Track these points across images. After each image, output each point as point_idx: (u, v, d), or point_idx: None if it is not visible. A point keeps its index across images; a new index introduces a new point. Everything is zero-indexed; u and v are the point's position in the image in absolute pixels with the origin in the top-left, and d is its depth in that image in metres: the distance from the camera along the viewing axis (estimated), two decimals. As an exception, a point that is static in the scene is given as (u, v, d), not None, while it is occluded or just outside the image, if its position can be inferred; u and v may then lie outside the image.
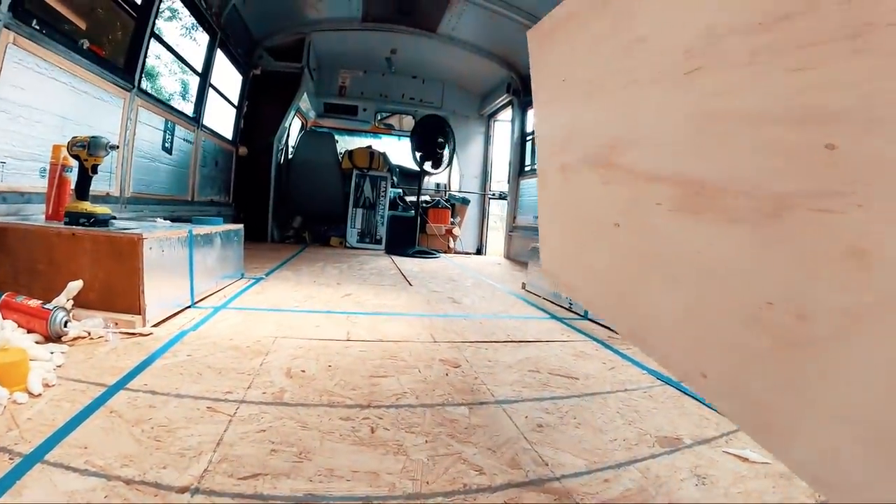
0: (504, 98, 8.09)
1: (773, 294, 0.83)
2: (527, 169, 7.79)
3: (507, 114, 8.54)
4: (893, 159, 0.62)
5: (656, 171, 1.16)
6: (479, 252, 8.79)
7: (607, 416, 1.58)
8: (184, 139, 5.18)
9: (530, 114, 7.69)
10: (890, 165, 0.63)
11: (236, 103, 6.96)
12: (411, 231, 7.51)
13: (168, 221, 3.30)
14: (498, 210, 9.60)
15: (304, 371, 1.76)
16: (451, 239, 8.08)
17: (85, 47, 3.21)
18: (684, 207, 1.05)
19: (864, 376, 0.68)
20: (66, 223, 2.27)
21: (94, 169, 2.38)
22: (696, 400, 1.74)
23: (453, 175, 9.75)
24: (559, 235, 1.91)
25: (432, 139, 7.33)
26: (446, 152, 7.54)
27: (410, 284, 4.14)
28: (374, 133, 9.63)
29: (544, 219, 2.03)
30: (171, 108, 5.00)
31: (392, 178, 8.03)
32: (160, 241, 2.28)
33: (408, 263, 5.88)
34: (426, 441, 1.29)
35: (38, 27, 2.71)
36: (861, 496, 0.68)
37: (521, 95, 7.76)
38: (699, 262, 1.02)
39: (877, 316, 0.66)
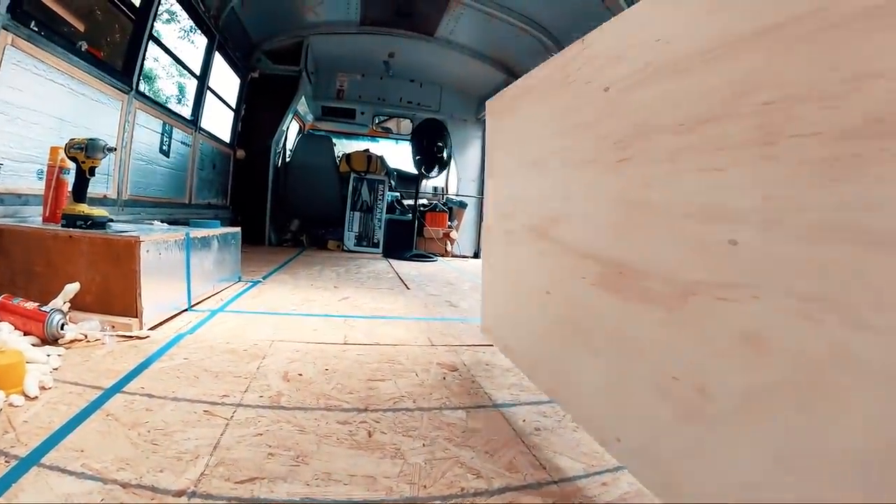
0: (502, 102, 8.08)
1: (679, 370, 0.93)
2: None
3: (504, 117, 8.52)
4: (787, 257, 0.72)
5: (585, 248, 1.31)
6: (476, 255, 8.78)
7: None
8: (181, 142, 5.18)
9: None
10: (784, 262, 0.73)
11: (234, 106, 6.96)
12: (409, 234, 7.50)
13: (165, 224, 3.30)
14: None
15: (301, 375, 1.76)
16: (448, 242, 8.08)
17: (83, 49, 3.21)
18: (607, 284, 1.18)
19: (757, 452, 0.76)
20: (63, 225, 2.27)
21: (92, 171, 2.38)
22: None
23: (451, 178, 9.76)
24: (500, 296, 2.05)
25: (431, 143, 7.34)
26: (444, 156, 7.54)
27: (408, 288, 4.13)
28: (372, 136, 9.63)
29: (487, 279, 2.20)
30: (169, 110, 5.00)
31: (390, 182, 8.03)
32: (157, 244, 2.27)
33: (405, 267, 5.88)
34: (423, 445, 1.29)
35: (36, 29, 2.71)
36: None
37: (520, 99, 7.75)
38: (618, 336, 1.13)
39: (770, 397, 0.75)
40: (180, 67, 5.69)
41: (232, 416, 1.36)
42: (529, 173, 1.74)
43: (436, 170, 7.64)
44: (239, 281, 3.63)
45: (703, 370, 0.88)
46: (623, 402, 1.11)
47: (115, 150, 3.09)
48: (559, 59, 1.51)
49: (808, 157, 0.69)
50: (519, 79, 1.88)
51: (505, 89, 2.02)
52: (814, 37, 0.69)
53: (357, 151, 8.11)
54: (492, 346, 2.34)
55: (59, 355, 1.67)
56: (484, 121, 9.06)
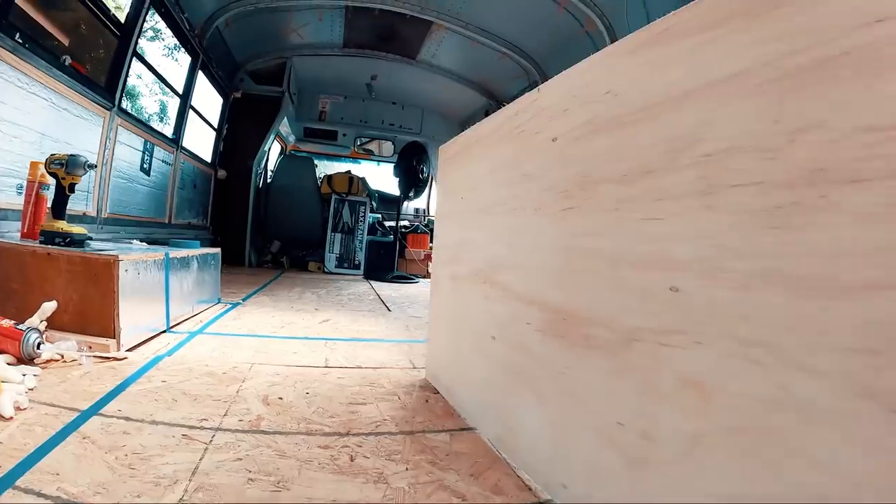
0: (483, 125, 8.16)
1: (624, 416, 0.96)
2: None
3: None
4: (728, 303, 0.75)
5: (530, 294, 1.34)
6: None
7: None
8: (162, 160, 5.14)
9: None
10: (725, 308, 0.75)
11: (216, 126, 6.93)
12: (390, 256, 7.49)
13: (145, 244, 3.27)
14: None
15: (281, 398, 1.74)
16: (430, 264, 8.07)
17: (67, 64, 3.19)
18: (552, 331, 1.22)
19: (705, 498, 0.77)
20: (41, 242, 2.24)
21: (72, 188, 2.35)
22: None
23: (432, 200, 9.79)
24: (444, 339, 2.04)
25: (413, 167, 7.37)
26: (424, 177, 7.58)
27: (389, 310, 4.12)
28: (354, 158, 9.65)
29: (434, 320, 2.23)
30: (151, 128, 4.96)
31: (371, 203, 8.03)
32: (136, 264, 2.25)
33: (386, 289, 5.86)
34: (407, 468, 1.27)
35: (20, 41, 2.69)
36: None
37: (500, 124, 7.82)
38: (562, 381, 1.17)
39: (716, 441, 0.76)
40: (163, 85, 5.66)
41: (211, 441, 1.34)
42: (476, 219, 1.77)
43: (414, 192, 7.67)
44: (219, 302, 3.59)
45: (647, 416, 0.90)
46: (569, 448, 1.13)
47: (96, 167, 3.07)
48: (510, 109, 1.56)
49: (749, 206, 0.72)
50: (469, 128, 1.92)
51: (457, 137, 2.07)
52: (756, 91, 0.73)
53: (339, 173, 8.12)
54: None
55: (34, 375, 1.63)
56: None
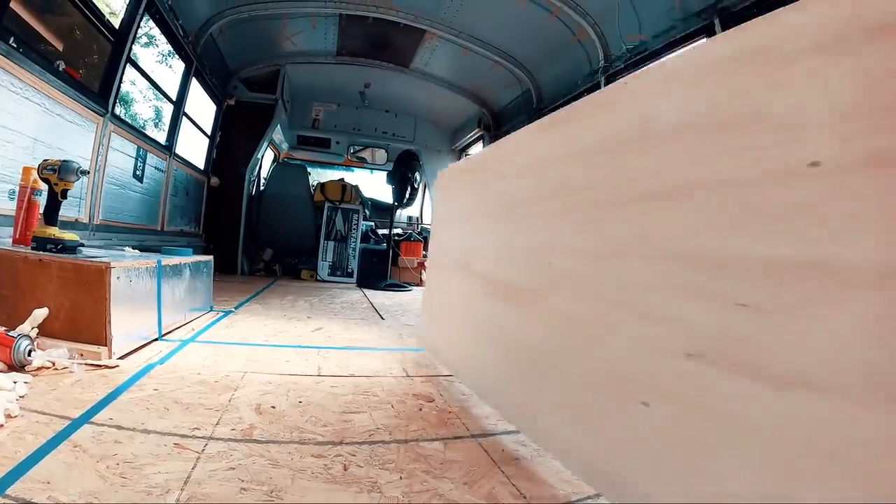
0: (475, 132, 8.20)
1: (521, 335, 1.65)
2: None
3: (478, 148, 8.63)
4: (580, 271, 1.34)
5: (487, 273, 2.01)
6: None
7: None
8: (155, 167, 5.12)
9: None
10: (578, 274, 1.35)
11: (209, 133, 6.92)
12: (383, 264, 7.48)
13: (137, 251, 3.26)
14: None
15: (274, 407, 1.73)
16: (423, 272, 8.07)
17: (61, 69, 3.18)
18: (498, 296, 1.86)
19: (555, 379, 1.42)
20: (33, 248, 2.22)
21: (64, 194, 2.34)
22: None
23: (425, 208, 9.80)
24: (434, 313, 2.75)
25: (406, 175, 7.38)
26: (415, 184, 7.60)
27: (382, 318, 4.11)
28: (347, 166, 9.66)
29: (426, 299, 2.93)
30: (144, 135, 4.95)
31: (364, 211, 8.02)
32: (128, 271, 2.23)
33: (379, 297, 5.85)
34: (401, 477, 1.27)
35: (14, 45, 2.68)
36: None
37: (492, 130, 7.87)
38: (507, 332, 1.76)
39: (555, 337, 1.45)
40: (157, 92, 5.64)
41: (203, 450, 1.33)
42: (458, 225, 2.50)
43: (407, 199, 7.68)
44: (211, 310, 3.57)
45: (534, 333, 1.57)
46: (514, 379, 1.68)
47: (88, 173, 3.06)
48: (481, 155, 2.74)
49: (595, 217, 1.30)
50: (457, 162, 3.02)
51: (449, 167, 2.84)
52: (609, 153, 1.29)
53: (332, 181, 8.10)
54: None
55: (25, 382, 1.62)
56: (458, 151, 9.19)
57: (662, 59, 1.35)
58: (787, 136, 0.80)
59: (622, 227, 1.18)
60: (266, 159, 8.57)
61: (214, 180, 7.09)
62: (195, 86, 6.03)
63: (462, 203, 2.46)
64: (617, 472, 1.10)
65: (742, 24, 0.92)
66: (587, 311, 1.27)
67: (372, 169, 9.79)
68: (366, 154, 9.57)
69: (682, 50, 1.46)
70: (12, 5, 2.74)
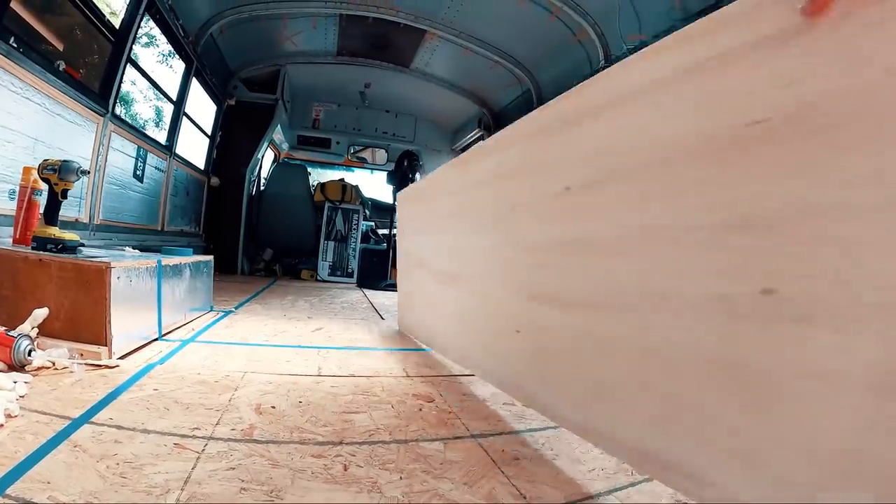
0: (475, 133, 8.20)
1: (452, 309, 2.40)
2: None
3: (477, 148, 8.61)
4: (481, 259, 2.07)
5: (434, 267, 2.68)
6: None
7: (584, 446, 1.58)
8: (155, 167, 5.13)
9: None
10: (510, 262, 1.77)
11: (209, 133, 6.92)
12: (383, 264, 7.48)
13: (137, 251, 3.26)
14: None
15: (274, 407, 1.73)
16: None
17: (61, 69, 3.18)
18: (443, 282, 2.51)
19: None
20: (33, 248, 2.22)
21: (64, 194, 2.34)
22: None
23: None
24: (405, 301, 3.52)
25: (406, 174, 7.38)
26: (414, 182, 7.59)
27: (382, 318, 4.11)
28: (347, 166, 9.65)
29: (399, 291, 3.65)
30: (145, 135, 4.95)
31: (364, 211, 8.02)
32: (128, 271, 2.23)
33: (380, 297, 5.85)
34: (401, 478, 1.27)
35: (15, 45, 2.68)
36: None
37: (493, 130, 7.87)
38: (450, 304, 2.44)
39: (472, 315, 2.20)
40: (157, 92, 5.64)
41: (203, 450, 1.33)
42: (418, 234, 3.10)
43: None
44: (211, 310, 3.57)
45: (464, 305, 2.27)
46: (453, 332, 2.45)
47: (89, 173, 3.06)
48: (424, 181, 3.20)
49: (485, 224, 1.97)
50: (414, 182, 3.84)
51: (403, 191, 3.53)
52: (489, 184, 1.91)
53: (332, 181, 8.10)
54: (469, 375, 2.35)
55: (25, 382, 1.62)
56: (458, 151, 9.18)
57: (500, 131, 1.85)
58: (556, 173, 1.43)
59: (500, 229, 1.84)
60: (266, 159, 8.58)
61: (215, 180, 7.09)
62: (195, 86, 6.03)
63: (415, 217, 3.15)
64: (501, 371, 1.92)
65: (548, 102, 1.47)
66: (486, 283, 2.00)
67: (372, 169, 9.78)
68: (366, 154, 9.56)
69: (514, 123, 1.78)
70: (12, 5, 2.74)
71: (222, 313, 3.57)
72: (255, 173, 7.91)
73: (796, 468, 0.75)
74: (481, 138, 8.20)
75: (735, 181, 0.85)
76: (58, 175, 2.29)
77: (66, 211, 2.75)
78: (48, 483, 1.05)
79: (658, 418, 1.04)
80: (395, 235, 7.91)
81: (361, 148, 9.45)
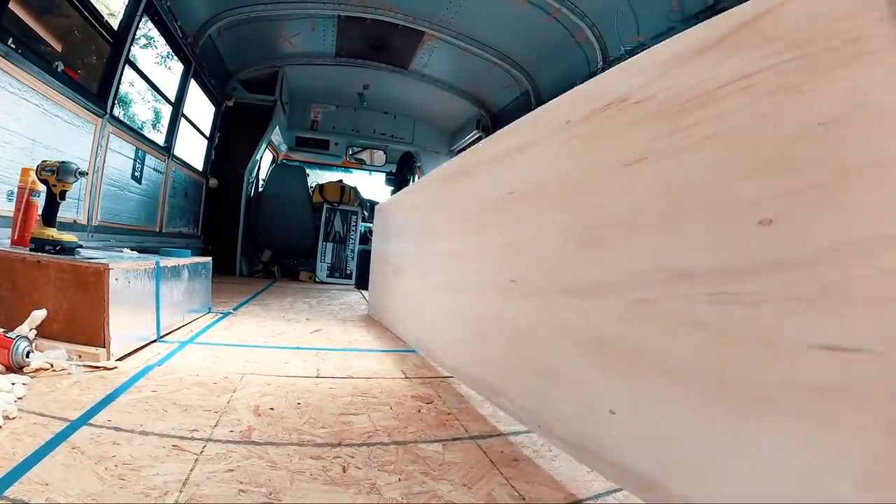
0: (474, 134, 8.20)
1: (402, 301, 3.27)
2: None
3: (477, 149, 8.62)
4: (419, 257, 2.87)
5: (393, 263, 3.50)
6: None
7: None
8: (154, 168, 5.12)
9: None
10: (418, 258, 2.90)
11: (208, 134, 6.91)
12: (382, 266, 7.47)
13: (135, 252, 3.25)
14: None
15: (272, 409, 1.73)
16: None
17: (59, 70, 3.17)
18: (397, 274, 3.37)
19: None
20: (31, 249, 2.22)
21: (63, 195, 2.34)
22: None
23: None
24: (376, 291, 4.24)
25: (405, 176, 7.38)
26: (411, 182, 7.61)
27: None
28: (346, 167, 9.64)
29: (371, 285, 4.48)
30: (143, 136, 4.94)
31: (363, 213, 8.02)
32: (126, 272, 2.23)
33: (377, 298, 5.83)
34: (399, 479, 1.27)
35: (13, 46, 2.68)
36: None
37: (491, 131, 7.87)
38: (402, 295, 3.26)
39: (424, 306, 2.82)
40: (155, 93, 5.64)
41: (202, 451, 1.33)
42: (387, 240, 3.86)
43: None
44: (209, 312, 3.57)
45: (416, 295, 2.91)
46: (404, 313, 3.20)
47: (87, 174, 3.05)
48: (393, 198, 4.20)
49: (422, 237, 2.83)
50: (383, 202, 4.44)
51: (386, 200, 4.47)
52: (423, 209, 2.90)
53: (330, 182, 8.10)
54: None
55: (24, 384, 1.61)
56: (457, 152, 9.18)
57: (426, 175, 2.83)
58: (447, 207, 2.30)
59: (428, 238, 2.63)
60: (265, 161, 8.57)
61: (213, 181, 7.09)
62: (194, 87, 6.04)
63: (383, 227, 4.04)
64: (418, 331, 2.83)
65: (469, 149, 2.11)
66: (415, 277, 2.91)
67: (371, 170, 9.78)
68: (364, 155, 9.56)
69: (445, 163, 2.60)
70: (11, 6, 2.74)
71: (221, 315, 3.56)
72: (254, 174, 7.91)
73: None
74: (480, 139, 8.20)
75: (507, 220, 1.66)
76: (56, 176, 2.28)
77: (65, 212, 2.75)
78: (46, 485, 1.05)
79: (491, 359, 1.77)
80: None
81: (360, 149, 9.44)
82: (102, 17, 3.80)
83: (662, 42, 0.94)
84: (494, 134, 1.72)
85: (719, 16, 0.84)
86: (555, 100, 1.34)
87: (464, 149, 9.21)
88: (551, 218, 1.35)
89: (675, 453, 0.91)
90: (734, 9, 0.80)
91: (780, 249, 0.73)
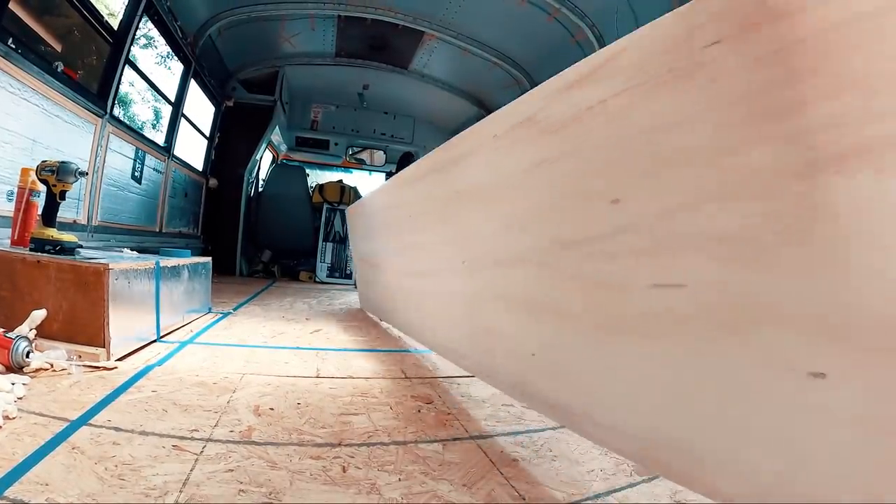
0: (474, 134, 8.18)
1: (381, 291, 3.65)
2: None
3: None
4: (390, 252, 3.19)
5: (369, 259, 3.84)
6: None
7: (583, 446, 1.58)
8: (154, 169, 5.12)
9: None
10: (388, 252, 3.23)
11: (208, 134, 6.91)
12: (381, 266, 7.47)
13: (135, 252, 3.26)
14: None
15: (272, 409, 1.73)
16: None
17: (59, 70, 3.17)
18: (373, 267, 3.70)
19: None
20: (31, 249, 2.22)
21: (63, 195, 2.34)
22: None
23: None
24: (363, 288, 4.50)
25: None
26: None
27: (381, 320, 4.11)
28: (346, 167, 9.64)
29: (358, 280, 4.83)
30: (143, 136, 4.94)
31: (363, 213, 7.99)
32: (126, 273, 2.23)
33: (377, 298, 5.83)
34: (399, 479, 1.27)
35: (13, 46, 2.68)
36: None
37: (491, 132, 7.86)
38: (376, 281, 3.72)
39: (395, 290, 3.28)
40: (155, 93, 5.64)
41: (202, 452, 1.33)
42: (364, 239, 4.00)
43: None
44: (209, 312, 3.57)
45: (390, 288, 3.31)
46: (381, 301, 3.70)
47: (87, 174, 3.05)
48: (362, 199, 4.22)
49: (389, 233, 3.18)
50: (353, 204, 4.66)
51: (349, 207, 4.79)
52: (389, 208, 3.11)
53: (330, 182, 8.10)
54: (468, 377, 2.34)
55: (24, 384, 1.61)
56: (457, 154, 9.16)
57: (394, 177, 2.97)
58: (409, 206, 2.57)
59: (395, 234, 2.96)
60: (265, 160, 8.57)
61: (213, 182, 7.08)
62: (194, 87, 6.03)
63: (358, 227, 4.22)
64: (383, 310, 3.69)
65: (440, 146, 1.99)
66: (386, 268, 3.26)
67: (371, 170, 9.78)
68: (364, 155, 9.55)
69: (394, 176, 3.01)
70: (11, 6, 2.74)
71: (221, 315, 3.56)
72: (254, 174, 7.91)
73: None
74: (479, 139, 8.19)
75: (456, 213, 1.90)
76: (56, 176, 2.28)
77: (65, 212, 2.75)
78: (46, 485, 1.05)
79: (455, 328, 2.03)
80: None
81: (360, 149, 9.44)
82: (102, 17, 3.80)
83: (561, 72, 1.18)
84: (444, 144, 1.93)
85: (593, 54, 1.08)
86: (486, 118, 1.61)
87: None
88: (487, 210, 1.64)
89: (575, 378, 1.19)
90: (600, 50, 1.05)
91: (625, 219, 0.98)
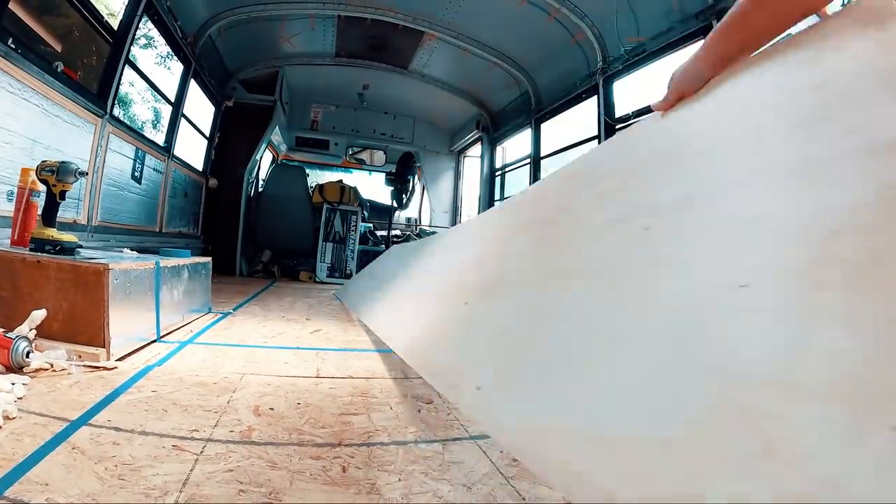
0: (474, 134, 8.22)
1: (369, 290, 4.21)
2: (496, 203, 7.87)
3: (476, 150, 8.67)
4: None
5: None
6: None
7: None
8: (154, 169, 5.12)
9: (499, 149, 7.88)
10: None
11: (208, 134, 6.91)
12: (382, 266, 7.50)
13: (135, 252, 3.25)
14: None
15: (272, 409, 1.73)
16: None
17: (59, 70, 3.17)
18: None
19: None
20: (31, 249, 2.22)
21: (63, 195, 2.34)
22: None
23: (424, 210, 9.81)
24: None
25: (405, 177, 7.40)
26: (413, 187, 7.61)
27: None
28: (346, 167, 9.65)
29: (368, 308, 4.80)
30: (143, 136, 4.95)
31: (363, 213, 8.01)
32: (126, 273, 2.23)
33: (377, 299, 5.83)
34: (399, 479, 1.27)
35: (13, 46, 2.68)
36: None
37: (491, 132, 7.89)
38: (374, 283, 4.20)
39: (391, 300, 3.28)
40: (155, 93, 5.64)
41: (202, 452, 1.33)
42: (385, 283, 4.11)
43: (405, 199, 7.70)
44: (209, 312, 3.57)
45: (369, 287, 4.12)
46: (362, 297, 4.21)
47: (87, 174, 3.05)
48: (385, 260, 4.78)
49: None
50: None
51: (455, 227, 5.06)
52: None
53: (330, 182, 8.10)
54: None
55: (24, 384, 1.61)
56: (456, 152, 9.20)
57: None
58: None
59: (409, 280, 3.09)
60: (265, 161, 8.57)
61: (213, 182, 7.09)
62: (194, 87, 6.04)
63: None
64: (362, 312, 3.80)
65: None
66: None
67: (370, 170, 9.79)
68: (364, 156, 9.58)
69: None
70: (11, 6, 2.74)
71: (221, 315, 3.56)
72: (254, 174, 7.91)
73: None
74: (479, 140, 8.22)
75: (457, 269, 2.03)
76: (56, 176, 2.28)
77: (65, 212, 2.76)
78: (46, 485, 1.05)
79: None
80: (393, 237, 7.94)
81: (360, 149, 9.46)
82: (102, 18, 3.81)
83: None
84: (460, 224, 1.98)
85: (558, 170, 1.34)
86: (475, 216, 1.77)
87: (464, 149, 9.28)
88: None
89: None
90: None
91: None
